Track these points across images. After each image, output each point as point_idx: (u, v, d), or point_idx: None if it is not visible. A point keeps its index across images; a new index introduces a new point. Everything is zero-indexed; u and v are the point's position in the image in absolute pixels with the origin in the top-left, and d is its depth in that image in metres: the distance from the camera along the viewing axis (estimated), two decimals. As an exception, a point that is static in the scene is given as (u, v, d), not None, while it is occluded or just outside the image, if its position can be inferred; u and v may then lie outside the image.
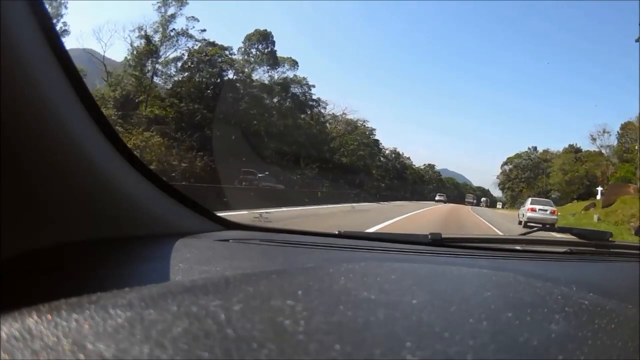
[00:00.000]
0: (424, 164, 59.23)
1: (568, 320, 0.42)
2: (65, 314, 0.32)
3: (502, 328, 0.38)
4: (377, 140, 39.90)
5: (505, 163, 49.90)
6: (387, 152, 44.33)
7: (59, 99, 0.65)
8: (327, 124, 36.00)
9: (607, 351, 0.36)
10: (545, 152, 46.05)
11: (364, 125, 38.24)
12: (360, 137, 36.38)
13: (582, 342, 0.36)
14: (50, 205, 0.66)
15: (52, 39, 0.62)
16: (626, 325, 0.44)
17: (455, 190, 63.90)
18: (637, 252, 1.22)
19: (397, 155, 47.15)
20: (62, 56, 0.64)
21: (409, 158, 51.31)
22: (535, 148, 47.66)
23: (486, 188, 68.91)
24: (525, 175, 45.50)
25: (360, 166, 34.66)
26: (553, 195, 36.86)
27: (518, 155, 48.76)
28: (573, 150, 40.51)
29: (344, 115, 36.87)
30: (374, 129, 39.51)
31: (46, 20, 0.61)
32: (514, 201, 45.02)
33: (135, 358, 0.27)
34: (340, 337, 0.32)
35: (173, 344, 0.29)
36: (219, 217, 1.09)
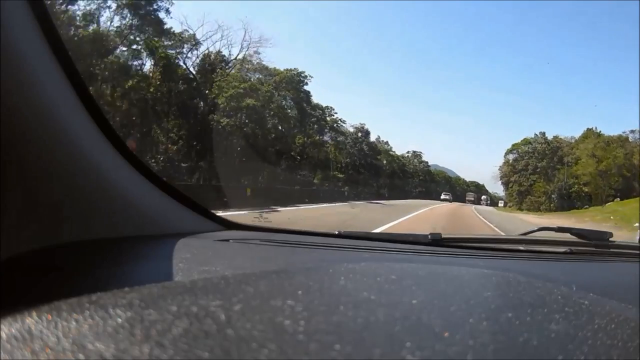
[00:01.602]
0: (408, 151, 45.46)
1: (568, 320, 0.42)
2: (65, 314, 0.32)
3: (502, 328, 0.38)
4: (308, 94, 23.34)
5: (509, 151, 38.01)
6: (347, 127, 29.64)
7: (59, 98, 0.65)
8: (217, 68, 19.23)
9: (607, 351, 0.36)
10: (557, 138, 35.21)
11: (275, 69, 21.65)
12: (276, 86, 20.37)
13: (582, 342, 0.36)
14: (49, 205, 0.66)
15: (52, 39, 0.62)
16: (626, 325, 0.44)
17: (447, 185, 54.07)
18: (637, 252, 1.22)
19: (364, 133, 31.99)
20: (62, 56, 0.64)
21: (387, 142, 38.13)
22: (544, 134, 36.15)
23: (481, 183, 61.60)
24: (542, 164, 33.56)
25: (269, 137, 19.22)
26: (554, 196, 30.73)
27: (526, 141, 36.88)
28: (593, 135, 30.91)
29: (254, 55, 20.47)
30: (305, 75, 22.40)
31: (46, 20, 0.61)
32: (522, 199, 34.59)
33: (135, 358, 0.27)
34: (340, 337, 0.32)
35: (173, 344, 0.29)
36: (219, 217, 1.09)
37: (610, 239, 1.24)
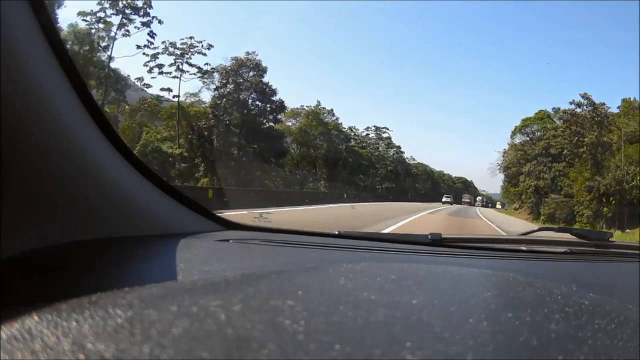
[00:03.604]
0: (368, 127, 29.78)
1: (568, 320, 0.42)
2: (65, 314, 0.32)
3: (502, 328, 0.38)
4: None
5: (519, 129, 25.50)
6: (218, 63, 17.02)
7: (59, 99, 0.65)
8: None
9: (607, 351, 0.36)
10: (603, 105, 21.03)
11: None
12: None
13: (582, 342, 0.36)
14: (49, 205, 0.66)
15: (52, 39, 0.62)
16: (626, 325, 0.44)
17: (429, 181, 42.32)
18: (637, 252, 1.22)
19: (252, 69, 17.30)
20: (62, 56, 0.64)
21: (331, 112, 23.70)
22: (558, 110, 24.03)
23: (469, 179, 55.36)
24: (590, 138, 19.42)
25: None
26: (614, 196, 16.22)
27: (542, 114, 24.42)
28: (631, 106, 20.10)
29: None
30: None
31: (46, 20, 0.61)
32: (539, 199, 22.52)
33: (135, 358, 0.27)
34: (340, 337, 0.32)
35: (173, 344, 0.29)
36: (219, 217, 1.09)
37: (610, 239, 1.24)
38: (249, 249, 0.95)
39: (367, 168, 27.79)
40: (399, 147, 32.44)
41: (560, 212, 19.14)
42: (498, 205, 40.23)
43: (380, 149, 31.14)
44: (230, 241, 0.97)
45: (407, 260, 0.96)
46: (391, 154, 32.06)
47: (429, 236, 1.10)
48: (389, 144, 31.42)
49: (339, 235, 1.15)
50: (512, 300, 0.52)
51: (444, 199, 37.80)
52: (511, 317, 0.41)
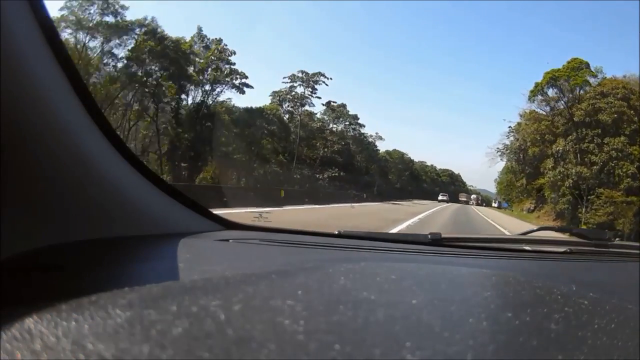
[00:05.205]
0: (294, 74, 19.82)
1: (568, 320, 0.42)
2: (65, 314, 0.32)
3: (502, 328, 0.38)
4: None
5: (542, 85, 16.70)
6: None
7: (59, 98, 0.65)
8: None
9: (607, 351, 0.36)
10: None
11: None
12: None
13: (582, 342, 0.36)
14: (50, 205, 0.66)
15: (52, 38, 0.62)
16: (626, 325, 0.44)
17: (407, 172, 33.04)
18: (637, 252, 1.22)
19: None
20: (62, 56, 0.64)
21: (217, 41, 15.85)
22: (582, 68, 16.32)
23: (456, 172, 51.87)
24: None
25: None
26: None
27: (580, 66, 15.73)
28: None
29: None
30: None
31: (46, 20, 0.61)
32: (579, 198, 14.07)
33: (135, 358, 0.27)
34: (340, 337, 0.32)
35: (173, 344, 0.29)
36: (218, 216, 1.09)
37: (610, 239, 1.24)
38: (249, 249, 0.95)
39: (288, 143, 16.43)
40: (355, 116, 20.03)
41: (624, 221, 10.59)
42: (494, 204, 35.29)
43: (324, 115, 18.34)
44: (230, 241, 0.97)
45: (407, 260, 0.96)
46: (346, 127, 19.41)
47: (429, 236, 1.10)
48: (340, 113, 18.55)
49: (339, 235, 1.15)
50: (512, 300, 0.52)
51: (440, 197, 36.72)
52: (511, 317, 0.41)
